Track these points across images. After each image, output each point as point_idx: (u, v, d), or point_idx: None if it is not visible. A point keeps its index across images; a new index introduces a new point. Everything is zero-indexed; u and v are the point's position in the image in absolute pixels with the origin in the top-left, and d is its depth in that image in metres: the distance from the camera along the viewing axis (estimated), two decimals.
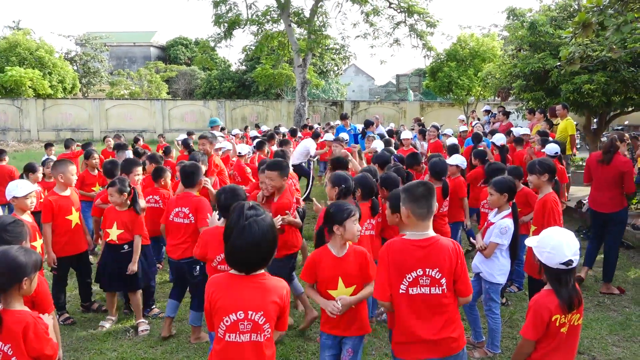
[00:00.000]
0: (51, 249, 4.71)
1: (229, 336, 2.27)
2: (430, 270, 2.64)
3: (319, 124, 19.31)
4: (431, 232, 2.76)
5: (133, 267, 4.57)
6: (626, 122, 17.54)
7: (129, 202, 4.67)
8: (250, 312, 2.25)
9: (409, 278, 2.65)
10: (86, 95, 34.11)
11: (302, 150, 9.57)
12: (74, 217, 4.81)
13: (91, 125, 26.59)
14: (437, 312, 2.65)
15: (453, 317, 2.69)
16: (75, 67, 33.86)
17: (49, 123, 26.55)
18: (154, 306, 5.11)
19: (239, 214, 2.26)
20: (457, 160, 6.07)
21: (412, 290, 2.65)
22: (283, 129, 13.54)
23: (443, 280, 2.64)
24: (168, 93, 35.99)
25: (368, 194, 4.23)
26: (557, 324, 2.58)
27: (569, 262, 2.51)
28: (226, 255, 2.31)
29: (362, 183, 4.25)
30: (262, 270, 2.33)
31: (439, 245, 2.68)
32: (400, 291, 2.67)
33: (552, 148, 6.94)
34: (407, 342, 2.69)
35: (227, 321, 2.26)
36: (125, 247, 4.61)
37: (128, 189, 4.64)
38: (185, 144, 8.86)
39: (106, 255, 4.69)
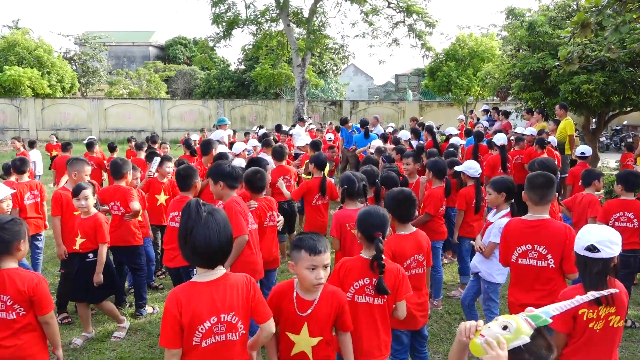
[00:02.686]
0: (61, 242, 4.67)
1: (205, 342, 2.25)
2: (538, 246, 3.19)
3: (315, 123, 19.29)
4: (545, 216, 3.27)
5: (97, 278, 4.26)
6: (625, 122, 17.58)
7: (92, 208, 4.40)
8: (222, 315, 2.26)
9: (519, 250, 3.26)
10: (85, 94, 34.06)
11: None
12: None
13: (90, 125, 26.56)
14: (540, 282, 3.20)
15: (555, 290, 3.08)
16: (74, 67, 33.81)
17: (47, 122, 26.52)
18: (145, 306, 5.00)
19: (196, 208, 2.25)
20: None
21: (521, 260, 3.27)
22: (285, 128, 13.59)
23: (549, 256, 3.17)
24: (167, 92, 35.96)
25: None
26: (585, 318, 2.57)
27: (591, 247, 2.54)
28: (189, 253, 2.27)
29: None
30: (224, 270, 2.35)
31: (549, 227, 3.20)
32: (512, 260, 3.31)
33: (582, 149, 7.03)
34: (512, 304, 3.36)
35: (202, 329, 2.24)
36: (90, 255, 4.33)
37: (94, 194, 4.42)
38: (186, 144, 8.85)
39: (71, 265, 4.47)
